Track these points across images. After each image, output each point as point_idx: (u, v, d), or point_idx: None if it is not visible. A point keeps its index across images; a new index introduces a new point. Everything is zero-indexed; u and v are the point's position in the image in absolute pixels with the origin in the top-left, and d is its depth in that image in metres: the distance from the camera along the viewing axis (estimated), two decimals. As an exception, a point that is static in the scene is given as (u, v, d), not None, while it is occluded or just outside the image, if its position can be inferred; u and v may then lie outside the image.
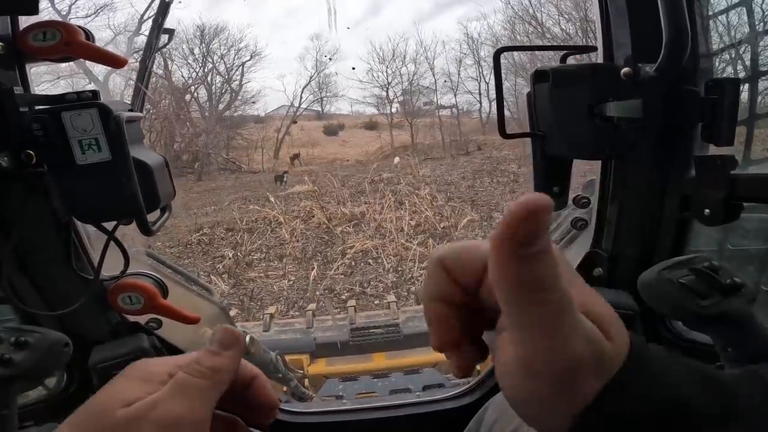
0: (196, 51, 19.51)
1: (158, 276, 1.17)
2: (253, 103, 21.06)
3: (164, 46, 1.25)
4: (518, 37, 17.01)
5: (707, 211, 0.95)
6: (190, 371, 0.47)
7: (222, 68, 20.20)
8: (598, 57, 1.10)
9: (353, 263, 7.23)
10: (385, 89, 22.14)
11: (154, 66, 1.25)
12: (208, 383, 0.47)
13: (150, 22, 1.24)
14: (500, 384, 0.39)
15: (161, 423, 0.43)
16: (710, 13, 1.13)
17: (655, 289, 0.74)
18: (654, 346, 0.39)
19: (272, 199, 9.92)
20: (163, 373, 0.48)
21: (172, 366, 0.49)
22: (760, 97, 1.14)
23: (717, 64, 1.17)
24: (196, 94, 19.95)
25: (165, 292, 1.16)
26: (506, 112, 1.06)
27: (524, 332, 0.35)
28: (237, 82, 20.62)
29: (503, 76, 1.07)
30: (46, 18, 0.95)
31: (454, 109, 21.52)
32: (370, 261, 7.27)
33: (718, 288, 0.70)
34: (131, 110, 1.00)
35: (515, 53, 12.72)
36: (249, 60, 20.28)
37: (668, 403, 0.36)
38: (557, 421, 0.36)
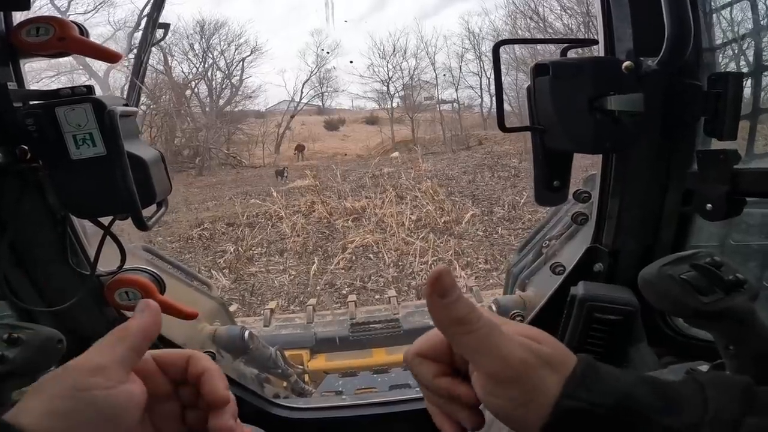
0: (196, 46, 19.53)
1: (155, 271, 1.16)
2: (252, 97, 21.08)
3: (159, 40, 1.24)
4: (519, 32, 16.96)
5: (709, 205, 0.94)
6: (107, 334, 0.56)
7: (222, 63, 20.23)
8: (599, 50, 1.09)
9: (354, 258, 7.23)
10: (386, 84, 22.13)
11: (155, 62, 1.24)
12: (114, 338, 0.54)
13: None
14: (485, 405, 0.51)
15: (72, 366, 0.51)
16: (713, 7, 1.12)
17: (656, 285, 0.73)
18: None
19: (273, 193, 9.91)
20: None
21: None
22: (763, 92, 1.13)
23: (720, 58, 1.16)
24: (196, 89, 19.98)
25: (162, 287, 1.15)
26: (506, 107, 1.05)
27: (473, 356, 0.50)
28: (237, 78, 20.65)
29: (504, 70, 1.06)
30: (46, 14, 0.94)
31: (455, 104, 21.52)
32: (370, 256, 7.28)
33: (721, 284, 0.69)
34: (126, 105, 0.99)
35: (516, 48, 12.69)
36: (249, 55, 20.30)
37: (623, 397, 0.47)
38: (538, 414, 0.47)
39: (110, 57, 0.98)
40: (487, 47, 20.19)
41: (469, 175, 11.49)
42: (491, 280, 6.09)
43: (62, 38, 0.93)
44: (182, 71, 19.49)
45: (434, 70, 21.46)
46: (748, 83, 1.08)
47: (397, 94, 22.34)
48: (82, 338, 1.12)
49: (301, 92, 21.89)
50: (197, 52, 19.65)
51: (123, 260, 1.09)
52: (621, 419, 0.46)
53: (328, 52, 22.08)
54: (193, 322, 1.27)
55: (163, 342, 1.19)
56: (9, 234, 0.98)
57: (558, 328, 1.15)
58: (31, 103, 0.93)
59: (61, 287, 1.08)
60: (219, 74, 20.29)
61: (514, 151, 13.40)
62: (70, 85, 0.93)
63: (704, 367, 0.90)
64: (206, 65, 20.01)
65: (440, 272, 0.50)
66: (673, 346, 1.16)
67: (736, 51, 1.19)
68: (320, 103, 24.29)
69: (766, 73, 1.13)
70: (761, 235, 1.26)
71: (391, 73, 21.94)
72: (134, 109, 1.02)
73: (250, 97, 21.12)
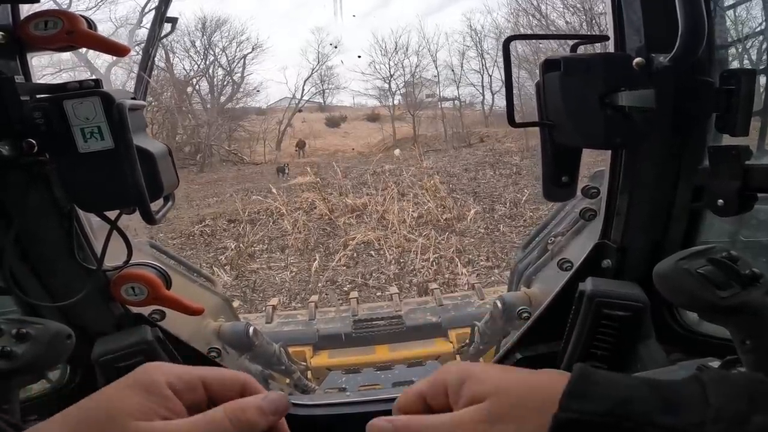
0: (198, 43, 19.52)
1: (161, 266, 1.16)
2: (254, 93, 21.08)
3: (167, 35, 1.24)
4: (522, 29, 16.96)
5: (721, 201, 0.94)
6: (231, 416, 0.49)
7: (224, 60, 20.23)
8: (608, 47, 1.08)
9: (355, 255, 7.24)
10: (388, 81, 22.10)
11: (156, 59, 1.23)
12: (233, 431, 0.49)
13: (151, 13, 1.22)
14: None
15: (114, 408, 0.47)
16: (726, 4, 1.12)
17: (672, 279, 0.73)
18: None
19: (274, 190, 9.91)
20: (163, 383, 0.49)
21: (173, 376, 0.51)
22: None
23: (731, 55, 1.16)
24: (197, 86, 19.98)
25: (168, 282, 1.15)
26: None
27: None
28: (239, 75, 20.64)
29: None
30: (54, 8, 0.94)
31: (456, 101, 21.47)
32: (372, 252, 7.28)
33: (737, 279, 0.69)
34: (134, 99, 0.98)
35: (519, 45, 12.67)
36: (251, 52, 20.30)
37: (620, 401, 0.47)
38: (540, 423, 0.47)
39: (118, 51, 0.97)
40: (488, 45, 20.20)
41: (470, 173, 11.50)
42: (493, 278, 6.09)
43: (71, 32, 0.92)
44: (184, 68, 19.54)
45: (436, 68, 21.49)
46: (759, 81, 1.08)
47: (398, 92, 22.36)
48: (88, 334, 1.12)
49: (303, 89, 21.95)
50: (198, 49, 19.68)
51: (129, 255, 1.08)
52: (619, 424, 0.46)
53: (336, 46, 22.13)
54: (198, 318, 1.26)
55: (168, 338, 1.18)
56: (15, 228, 0.98)
57: (566, 324, 1.15)
58: (38, 96, 0.92)
59: (67, 282, 1.07)
60: (220, 71, 20.33)
61: (516, 149, 13.41)
62: (76, 80, 0.93)
63: (715, 364, 0.89)
64: (208, 62, 20.03)
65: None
66: (681, 342, 1.16)
67: (748, 48, 1.19)
68: (321, 100, 24.31)
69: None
70: (771, 231, 1.26)
71: (392, 71, 21.95)
72: (142, 102, 1.02)
73: (257, 91, 21.14)
